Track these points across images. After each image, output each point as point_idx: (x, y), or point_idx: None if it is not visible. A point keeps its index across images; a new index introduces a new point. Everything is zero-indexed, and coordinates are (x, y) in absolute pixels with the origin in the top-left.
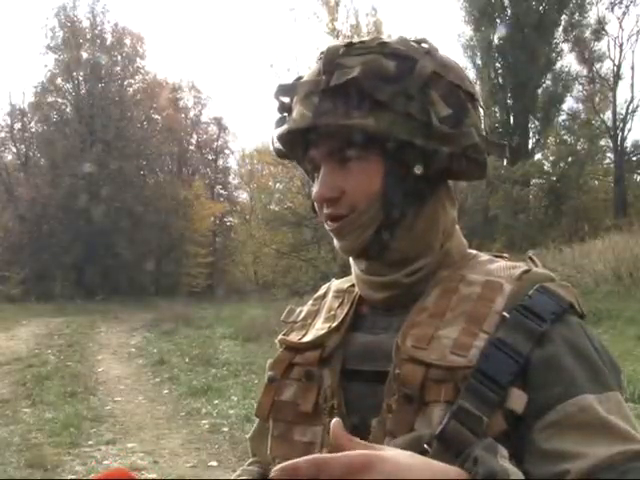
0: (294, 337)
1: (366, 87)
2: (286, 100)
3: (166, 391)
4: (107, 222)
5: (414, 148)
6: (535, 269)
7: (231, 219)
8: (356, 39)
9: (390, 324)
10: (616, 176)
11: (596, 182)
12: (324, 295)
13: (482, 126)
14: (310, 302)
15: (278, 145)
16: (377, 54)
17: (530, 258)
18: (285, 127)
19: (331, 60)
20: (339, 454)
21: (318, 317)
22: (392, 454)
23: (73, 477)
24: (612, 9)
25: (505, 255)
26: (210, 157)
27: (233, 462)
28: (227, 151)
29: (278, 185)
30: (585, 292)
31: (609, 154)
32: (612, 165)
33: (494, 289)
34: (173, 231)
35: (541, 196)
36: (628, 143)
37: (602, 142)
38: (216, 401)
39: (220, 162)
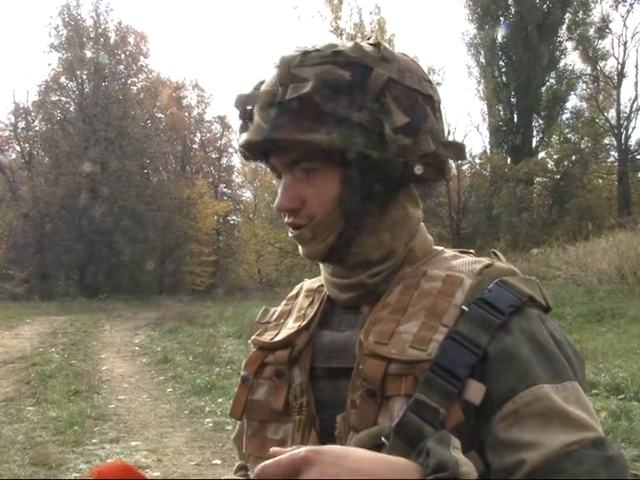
0: (267, 337)
1: (319, 101)
2: (248, 107)
3: (170, 389)
4: (110, 221)
5: (369, 159)
6: (497, 263)
7: (235, 218)
8: (310, 47)
9: (356, 322)
10: (620, 174)
11: (600, 180)
12: (296, 295)
13: (442, 127)
14: (283, 302)
15: (242, 150)
16: (331, 64)
17: (494, 253)
18: (244, 138)
19: (286, 71)
20: (281, 456)
21: (290, 317)
22: (328, 447)
23: (77, 475)
24: (616, 7)
25: (471, 251)
26: (214, 155)
27: (237, 460)
28: (231, 149)
29: None
30: (589, 291)
31: (613, 152)
32: (616, 163)
33: (454, 283)
34: (176, 230)
35: (545, 195)
36: (632, 141)
37: (606, 140)
38: (220, 399)
39: (224, 160)
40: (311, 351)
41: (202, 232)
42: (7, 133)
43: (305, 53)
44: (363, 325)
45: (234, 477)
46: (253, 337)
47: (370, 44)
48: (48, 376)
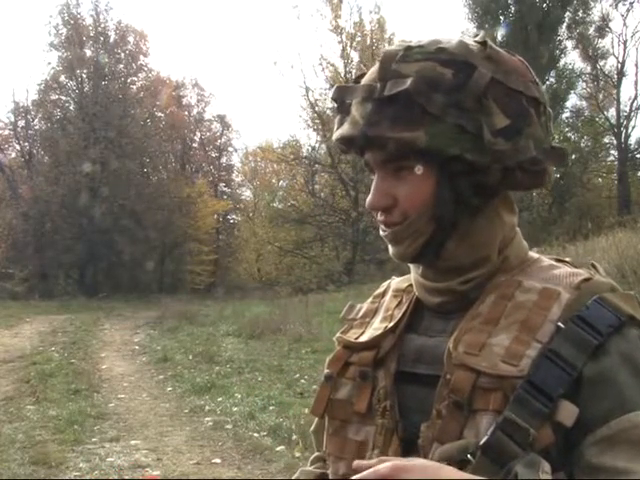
0: (352, 335)
1: (418, 99)
2: (346, 100)
3: (170, 388)
4: (110, 220)
5: (465, 162)
6: (597, 277)
7: (234, 217)
8: (414, 42)
9: (446, 327)
10: (620, 173)
11: (600, 179)
12: (383, 293)
13: (547, 132)
14: (370, 299)
15: (338, 144)
16: (434, 61)
17: (593, 265)
18: (340, 132)
19: (387, 66)
20: (369, 470)
21: (376, 316)
22: (414, 463)
23: (77, 474)
24: (616, 6)
25: (567, 259)
26: (213, 155)
27: (237, 459)
28: (230, 149)
29: (281, 182)
30: None
31: (613, 151)
32: (616, 162)
33: (551, 297)
34: (176, 229)
35: (545, 194)
36: (632, 140)
37: (606, 139)
38: (219, 398)
39: (223, 160)
40: (397, 354)
41: (202, 231)
42: (7, 132)
43: (408, 48)
44: (452, 332)
45: (244, 478)
46: (338, 334)
47: (476, 42)
48: (48, 375)
